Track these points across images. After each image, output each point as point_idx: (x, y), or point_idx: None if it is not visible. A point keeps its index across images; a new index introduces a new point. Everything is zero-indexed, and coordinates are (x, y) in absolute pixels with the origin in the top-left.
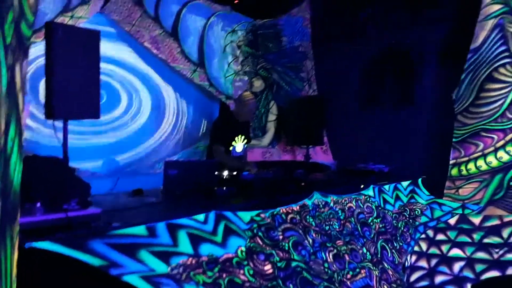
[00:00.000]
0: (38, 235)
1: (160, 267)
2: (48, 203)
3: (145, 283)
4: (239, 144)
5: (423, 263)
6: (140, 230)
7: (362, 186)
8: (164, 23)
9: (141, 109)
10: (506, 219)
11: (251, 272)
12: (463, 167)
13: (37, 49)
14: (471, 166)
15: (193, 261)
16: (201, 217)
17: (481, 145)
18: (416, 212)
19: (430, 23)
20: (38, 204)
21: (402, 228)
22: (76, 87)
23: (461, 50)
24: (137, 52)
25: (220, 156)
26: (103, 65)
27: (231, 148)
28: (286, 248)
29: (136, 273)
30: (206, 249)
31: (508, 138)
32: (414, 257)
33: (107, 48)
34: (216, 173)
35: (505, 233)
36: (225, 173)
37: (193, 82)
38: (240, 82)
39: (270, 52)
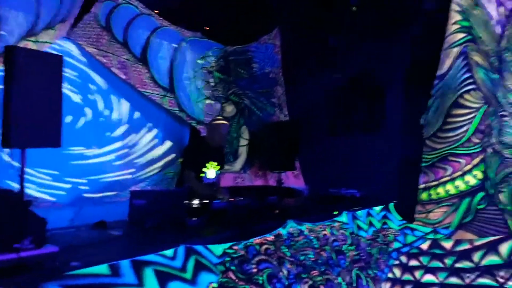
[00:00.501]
0: None
1: None
2: None
3: None
4: (210, 170)
5: None
6: (102, 269)
7: (336, 213)
8: (132, 48)
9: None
10: (476, 243)
11: None
12: (432, 191)
13: None
14: (440, 190)
15: None
16: (169, 252)
17: (450, 169)
18: (389, 237)
19: (397, 51)
20: None
21: (376, 255)
22: (36, 114)
23: (428, 76)
24: (104, 77)
25: (191, 182)
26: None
27: (202, 174)
28: (260, 281)
29: None
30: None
31: (474, 162)
32: (388, 285)
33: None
34: (186, 201)
35: (476, 257)
36: (196, 201)
37: (162, 107)
38: (211, 107)
39: (241, 78)
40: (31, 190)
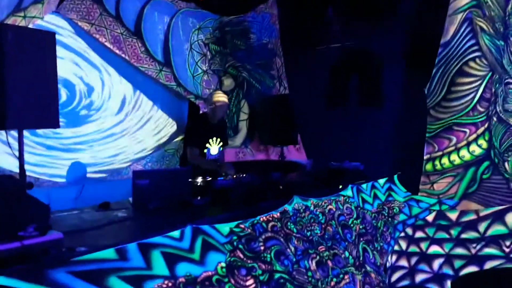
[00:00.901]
0: None
1: None
2: (0, 232)
3: None
4: (213, 147)
5: (403, 262)
6: (109, 253)
7: (340, 187)
8: (126, 22)
9: (104, 110)
10: (482, 214)
11: None
12: (437, 162)
13: None
14: (445, 160)
15: (169, 284)
16: (176, 233)
17: (454, 139)
18: (395, 210)
19: (397, 17)
20: None
21: (381, 227)
22: (31, 94)
23: (432, 44)
24: (98, 52)
25: (194, 159)
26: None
27: (205, 150)
28: (268, 259)
29: None
30: (183, 269)
31: (479, 131)
32: (394, 257)
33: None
34: (189, 180)
35: (482, 227)
36: (199, 179)
37: (159, 82)
38: (209, 81)
39: (239, 50)
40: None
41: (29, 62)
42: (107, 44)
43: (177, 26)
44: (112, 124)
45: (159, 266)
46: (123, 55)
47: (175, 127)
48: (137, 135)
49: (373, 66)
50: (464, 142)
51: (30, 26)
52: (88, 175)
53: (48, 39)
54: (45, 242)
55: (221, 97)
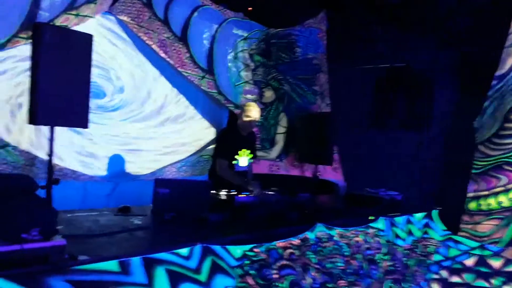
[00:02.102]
0: None
1: None
2: (3, 232)
3: None
4: (242, 158)
5: None
6: (111, 265)
7: (371, 218)
8: (173, 27)
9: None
10: None
11: None
12: (482, 201)
13: None
14: (491, 201)
15: None
16: (184, 251)
17: (504, 179)
18: (430, 249)
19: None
20: None
21: (413, 266)
22: (63, 93)
23: (484, 76)
24: (145, 54)
25: (223, 171)
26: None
27: (234, 162)
28: None
29: None
30: None
31: None
32: None
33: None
34: (210, 193)
35: None
36: (222, 193)
37: (201, 89)
38: (249, 91)
39: (283, 62)
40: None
41: (65, 61)
42: (154, 47)
43: (223, 35)
44: (152, 126)
45: (162, 284)
46: (168, 59)
47: (212, 134)
48: (176, 138)
49: (420, 89)
50: None
51: (82, 24)
52: (124, 173)
53: (85, 41)
54: (47, 247)
55: (254, 110)
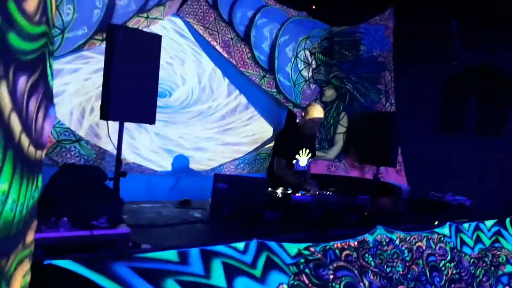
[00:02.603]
0: (60, 252)
1: None
2: (76, 218)
3: None
4: (303, 158)
5: None
6: (171, 255)
7: (436, 223)
8: (237, 27)
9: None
10: None
11: None
12: None
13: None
14: None
15: None
16: (241, 245)
17: None
18: (501, 259)
19: None
20: (65, 219)
21: (480, 276)
22: (133, 90)
23: None
24: (209, 55)
25: (281, 170)
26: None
27: (294, 161)
28: None
29: None
30: (242, 284)
31: None
32: None
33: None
34: (270, 189)
35: None
36: (279, 191)
37: (261, 88)
38: (310, 91)
39: (346, 61)
40: (136, 158)
41: (136, 61)
42: (217, 47)
43: (286, 34)
44: (214, 125)
45: (218, 276)
46: (230, 59)
47: (271, 133)
48: (236, 136)
49: (496, 89)
50: None
51: (152, 26)
52: (186, 169)
53: (155, 41)
54: (113, 235)
55: (317, 111)
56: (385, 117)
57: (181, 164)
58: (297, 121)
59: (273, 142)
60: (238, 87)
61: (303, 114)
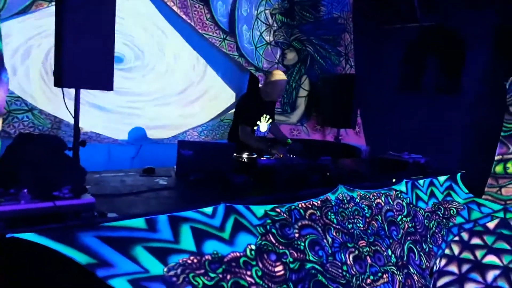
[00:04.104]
0: (23, 225)
1: (155, 267)
2: (36, 190)
3: None
4: (263, 124)
5: (453, 268)
6: (139, 222)
7: (394, 180)
8: None
9: (165, 76)
10: None
11: (259, 273)
12: (509, 165)
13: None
14: None
15: (195, 260)
16: (209, 210)
17: None
18: (452, 211)
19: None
20: (25, 191)
21: (433, 228)
22: (88, 55)
23: None
24: (165, 16)
25: (246, 137)
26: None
27: (255, 127)
28: (302, 247)
29: (126, 275)
30: (211, 247)
31: None
32: (443, 261)
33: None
34: (233, 155)
35: None
36: (245, 155)
37: (222, 51)
38: (271, 53)
39: (306, 23)
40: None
41: (89, 24)
42: (174, 8)
43: None
44: (173, 90)
45: (187, 241)
46: (189, 21)
47: (233, 98)
48: (197, 102)
49: (453, 49)
50: None
51: None
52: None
53: (108, 2)
54: (78, 205)
55: (280, 78)
56: (345, 79)
57: (141, 132)
58: (260, 86)
59: (235, 107)
60: (197, 49)
61: (266, 80)
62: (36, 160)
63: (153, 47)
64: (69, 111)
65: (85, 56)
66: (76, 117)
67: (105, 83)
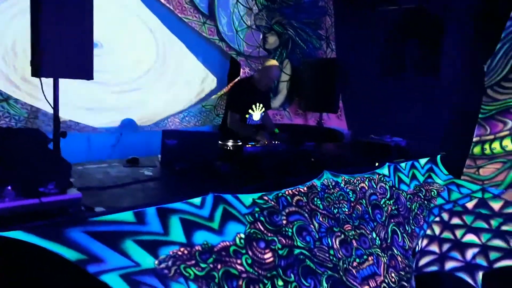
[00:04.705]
0: (8, 223)
1: (146, 260)
2: (21, 186)
3: (125, 284)
4: (256, 113)
5: (434, 247)
6: (127, 216)
7: (377, 164)
8: None
9: (145, 62)
10: None
11: (249, 261)
12: (487, 146)
13: None
14: (496, 145)
15: (185, 251)
16: (197, 200)
17: (510, 124)
18: (432, 193)
19: None
20: (9, 188)
21: (416, 210)
22: (66, 42)
23: (498, 17)
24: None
25: (234, 125)
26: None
27: (247, 116)
28: (290, 234)
29: (117, 270)
30: (201, 237)
31: None
32: (425, 241)
33: None
34: (219, 142)
35: None
36: (229, 143)
37: (202, 35)
38: (252, 37)
39: (287, 6)
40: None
41: (66, 9)
42: None
43: None
44: (153, 76)
45: (176, 232)
46: (167, 5)
47: (215, 83)
48: (177, 88)
49: (432, 31)
50: None
51: None
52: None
53: None
54: (64, 200)
55: (274, 65)
56: (327, 63)
57: (132, 123)
58: (253, 74)
59: (226, 94)
60: (177, 34)
61: (261, 71)
62: (19, 155)
63: (130, 31)
64: (48, 101)
65: (63, 44)
66: (56, 107)
67: (85, 72)
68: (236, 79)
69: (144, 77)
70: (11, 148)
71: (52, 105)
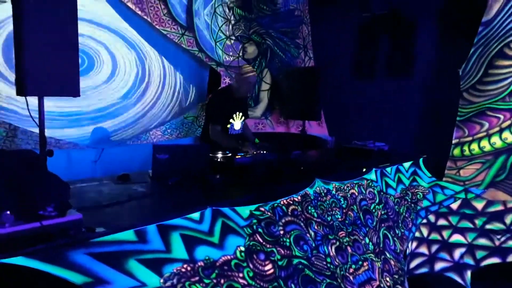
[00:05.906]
0: (9, 249)
1: (152, 279)
2: (20, 210)
3: None
4: (237, 122)
5: (423, 249)
6: (128, 235)
7: (364, 170)
8: None
9: (125, 75)
10: (509, 205)
11: (251, 274)
12: (466, 147)
13: None
14: (474, 146)
15: (188, 268)
16: (196, 215)
17: (486, 125)
18: (418, 196)
19: None
20: (7, 213)
21: (404, 213)
22: (51, 60)
23: (472, 21)
24: (120, 13)
25: (217, 136)
26: (84, 28)
27: (228, 126)
28: (288, 244)
29: None
30: (202, 252)
31: None
32: (414, 243)
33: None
34: (208, 156)
35: (508, 219)
36: (219, 155)
37: (181, 47)
38: (231, 47)
39: (264, 16)
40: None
41: (49, 25)
42: (129, 4)
43: None
44: (133, 89)
45: (179, 249)
46: (145, 17)
47: (194, 95)
48: (158, 100)
49: (405, 34)
50: (497, 129)
51: None
52: (108, 139)
53: (69, 4)
54: (65, 222)
55: (250, 73)
56: (307, 71)
57: (102, 134)
58: (230, 84)
59: (206, 106)
60: (156, 47)
61: (237, 78)
62: (15, 178)
63: (109, 45)
64: (34, 120)
65: (48, 61)
66: (41, 126)
67: (71, 89)
68: (215, 91)
69: (121, 90)
70: (6, 170)
71: (38, 123)
